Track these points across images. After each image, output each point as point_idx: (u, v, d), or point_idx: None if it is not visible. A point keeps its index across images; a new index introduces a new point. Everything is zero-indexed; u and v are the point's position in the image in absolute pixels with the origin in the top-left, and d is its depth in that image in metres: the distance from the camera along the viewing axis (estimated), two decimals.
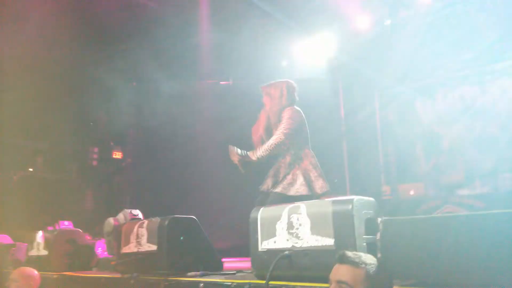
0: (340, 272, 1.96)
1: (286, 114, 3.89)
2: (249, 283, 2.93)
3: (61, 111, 7.73)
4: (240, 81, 7.41)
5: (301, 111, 4.01)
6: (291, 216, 2.81)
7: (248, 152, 3.93)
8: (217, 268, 3.80)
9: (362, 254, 2.04)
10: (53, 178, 8.27)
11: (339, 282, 1.93)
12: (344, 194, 4.65)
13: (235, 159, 3.93)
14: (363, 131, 6.36)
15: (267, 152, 3.86)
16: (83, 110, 8.05)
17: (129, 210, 4.84)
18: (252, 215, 3.07)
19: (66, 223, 5.28)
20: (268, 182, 4.00)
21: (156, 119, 7.40)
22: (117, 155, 9.02)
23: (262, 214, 3.03)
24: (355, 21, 6.06)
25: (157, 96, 7.27)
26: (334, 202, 2.69)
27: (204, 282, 3.20)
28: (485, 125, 5.64)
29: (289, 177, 3.86)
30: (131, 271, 3.80)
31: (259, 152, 3.88)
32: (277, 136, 3.85)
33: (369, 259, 1.99)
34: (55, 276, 4.43)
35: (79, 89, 7.82)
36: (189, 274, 3.51)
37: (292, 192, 3.82)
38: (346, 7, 5.90)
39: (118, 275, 4.00)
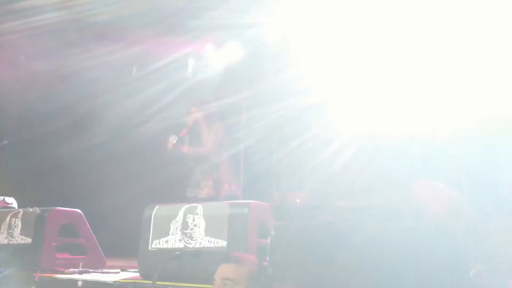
0: (225, 270, 2.03)
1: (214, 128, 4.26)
2: (134, 282, 2.83)
3: None
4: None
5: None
6: (187, 216, 2.79)
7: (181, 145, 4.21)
8: (99, 265, 3.61)
9: (246, 255, 2.15)
10: None
11: (223, 279, 2.01)
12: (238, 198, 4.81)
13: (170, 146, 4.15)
14: (257, 140, 6.59)
15: (195, 156, 4.27)
16: None
17: (1, 198, 4.44)
18: (146, 212, 2.98)
19: None
20: (195, 189, 4.24)
21: (40, 99, 6.71)
22: None
23: (156, 212, 2.95)
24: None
25: (41, 75, 6.63)
26: (231, 205, 2.73)
27: (83, 280, 3.02)
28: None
29: (204, 183, 4.21)
30: None
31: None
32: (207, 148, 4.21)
33: (253, 260, 2.11)
34: None
35: None
36: (67, 271, 3.29)
37: (203, 195, 4.14)
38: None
39: None
